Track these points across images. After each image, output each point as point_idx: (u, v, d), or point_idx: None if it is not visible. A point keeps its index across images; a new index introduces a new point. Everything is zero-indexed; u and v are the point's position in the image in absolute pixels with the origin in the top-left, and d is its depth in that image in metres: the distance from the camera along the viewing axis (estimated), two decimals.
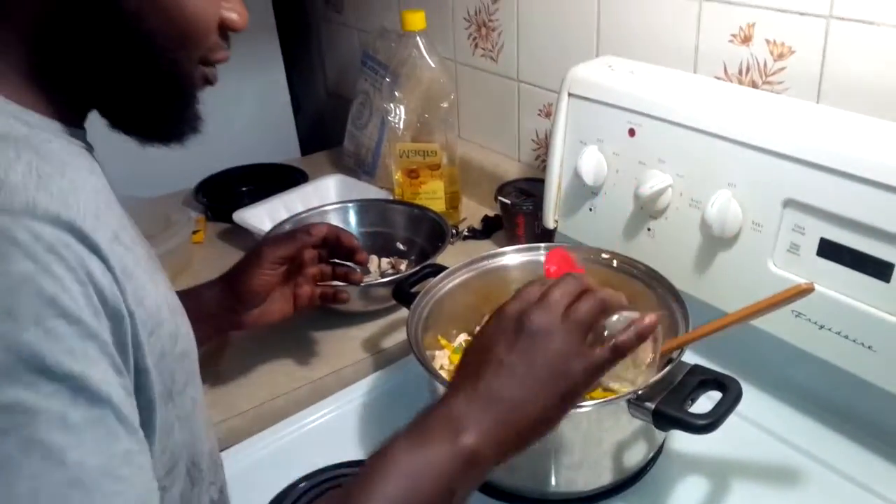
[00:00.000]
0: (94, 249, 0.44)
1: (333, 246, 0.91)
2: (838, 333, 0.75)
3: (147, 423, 0.49)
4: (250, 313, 0.86)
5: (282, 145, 1.66)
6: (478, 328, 0.59)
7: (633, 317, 0.59)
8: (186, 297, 0.67)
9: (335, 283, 0.93)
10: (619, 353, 0.57)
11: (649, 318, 0.58)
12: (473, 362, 0.57)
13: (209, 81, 0.59)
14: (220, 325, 0.87)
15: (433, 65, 1.24)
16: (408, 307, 0.86)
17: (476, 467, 0.53)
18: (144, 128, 0.58)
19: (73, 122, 0.56)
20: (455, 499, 0.52)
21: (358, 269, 0.93)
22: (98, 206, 0.48)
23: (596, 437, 0.73)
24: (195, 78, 0.57)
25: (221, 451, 0.83)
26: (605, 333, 0.60)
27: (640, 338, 0.58)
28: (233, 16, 0.58)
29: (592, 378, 0.57)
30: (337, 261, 0.92)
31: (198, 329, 0.63)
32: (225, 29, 0.58)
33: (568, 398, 0.56)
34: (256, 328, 0.88)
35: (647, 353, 0.67)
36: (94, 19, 0.51)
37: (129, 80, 0.54)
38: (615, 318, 0.60)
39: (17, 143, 0.46)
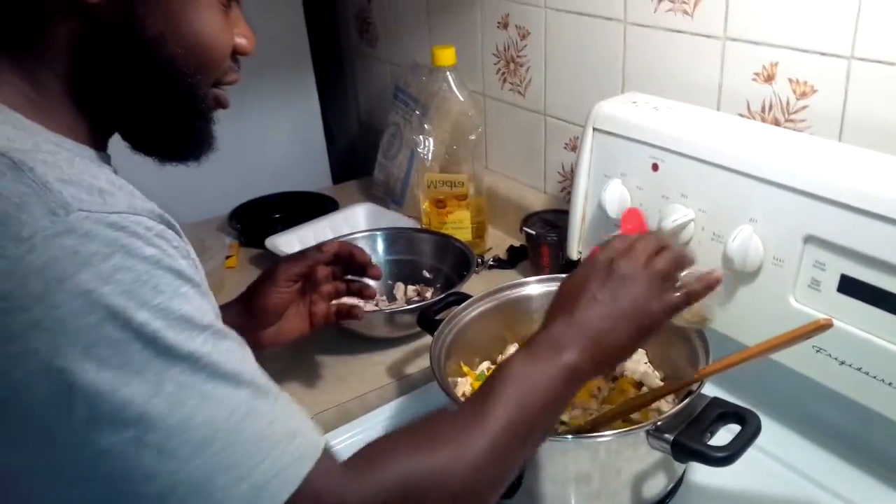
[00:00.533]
0: (179, 234, 0.53)
1: (346, 262, 0.93)
2: (858, 369, 0.75)
3: None
4: (267, 332, 0.88)
5: (314, 174, 1.70)
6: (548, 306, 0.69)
7: (701, 271, 0.69)
8: None
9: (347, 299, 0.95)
10: (691, 299, 0.67)
11: (717, 272, 0.68)
12: (569, 296, 0.66)
13: (221, 103, 0.64)
14: None
15: (462, 98, 1.28)
16: (431, 334, 0.88)
17: (575, 379, 0.62)
18: (163, 148, 0.64)
19: (99, 147, 0.61)
20: (558, 404, 0.63)
21: (372, 284, 0.94)
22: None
23: (615, 466, 0.74)
24: (209, 100, 0.62)
25: None
26: (678, 284, 0.69)
27: (708, 288, 0.68)
28: (243, 41, 0.63)
29: (666, 316, 0.67)
30: (351, 277, 0.94)
31: None
32: (236, 54, 0.63)
33: (646, 330, 0.66)
34: (274, 347, 0.90)
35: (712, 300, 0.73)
36: (118, 46, 0.56)
37: (149, 102, 0.60)
38: (686, 272, 0.69)
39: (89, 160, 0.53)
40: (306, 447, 0.51)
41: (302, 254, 0.92)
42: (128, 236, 0.48)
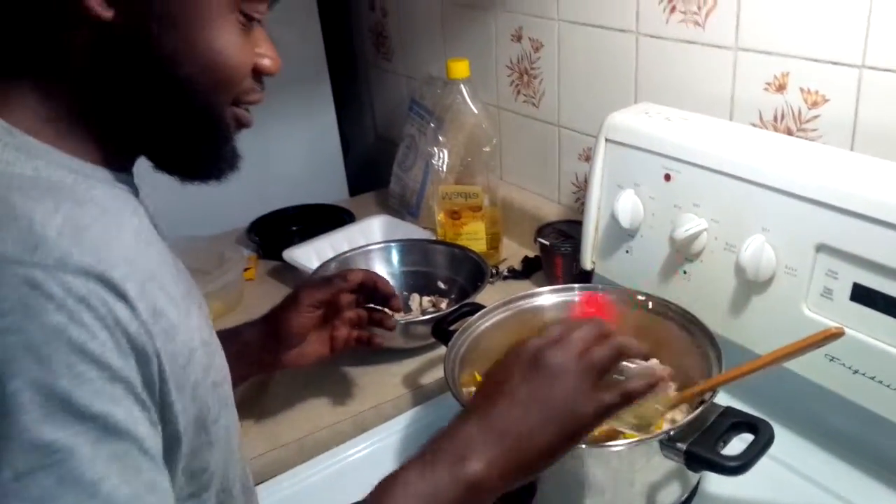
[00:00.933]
0: (123, 296, 0.48)
1: (370, 291, 0.93)
2: (872, 378, 0.75)
3: (173, 451, 0.53)
4: (288, 353, 0.89)
5: (331, 186, 1.72)
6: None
7: (648, 366, 0.63)
8: (229, 335, 0.72)
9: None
10: (628, 398, 0.60)
11: (661, 371, 0.61)
12: (488, 391, 0.60)
13: (242, 123, 0.62)
14: (261, 363, 0.90)
15: (476, 111, 1.29)
16: (446, 345, 0.88)
17: (480, 493, 0.56)
18: (184, 167, 0.63)
19: (121, 167, 0.60)
20: None
21: (393, 315, 0.96)
22: (136, 249, 0.52)
23: (628, 477, 0.74)
24: (228, 119, 0.61)
25: (265, 481, 0.87)
26: (621, 378, 0.62)
27: (649, 387, 0.61)
28: (266, 62, 0.61)
29: (600, 419, 0.60)
30: (372, 305, 0.95)
31: (239, 366, 0.67)
32: (259, 74, 0.61)
33: (574, 436, 0.59)
34: (294, 368, 0.91)
35: (667, 398, 0.69)
36: (133, 64, 0.55)
37: (166, 121, 0.59)
38: (633, 365, 0.63)
39: (59, 192, 0.51)
40: None
41: (327, 281, 0.92)
42: (38, 296, 0.44)
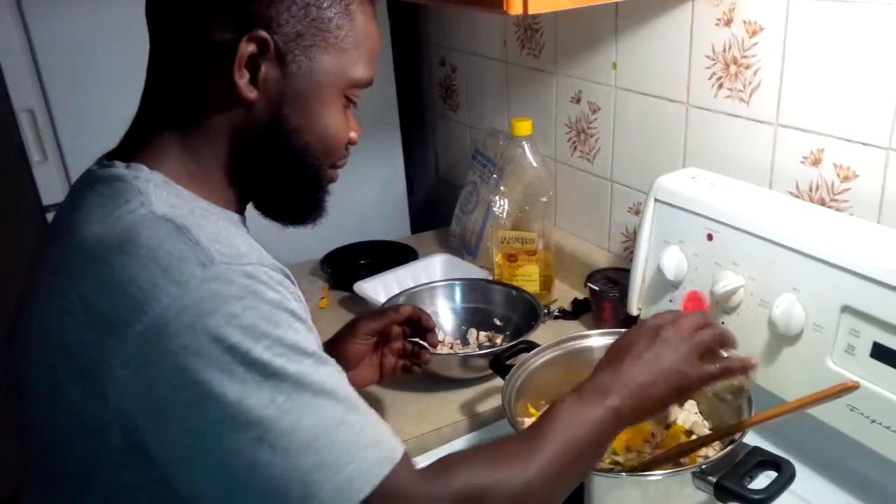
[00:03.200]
0: (293, 282, 0.67)
1: (415, 324, 1.06)
2: (888, 428, 0.83)
3: None
4: None
5: (395, 224, 1.85)
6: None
7: (739, 355, 0.79)
8: None
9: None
10: (726, 373, 0.77)
11: (754, 359, 0.78)
12: (618, 352, 0.77)
13: (333, 181, 0.80)
14: None
15: (536, 165, 1.41)
16: (503, 377, 0.99)
17: (617, 421, 0.73)
18: (288, 215, 0.80)
19: (239, 211, 0.76)
20: (601, 441, 0.73)
21: (429, 349, 1.06)
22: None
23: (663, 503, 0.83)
24: (328, 178, 0.78)
25: None
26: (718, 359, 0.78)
27: (744, 368, 0.78)
28: (354, 135, 0.79)
29: (702, 382, 0.77)
30: (416, 340, 1.06)
31: None
32: (348, 144, 0.78)
33: (682, 390, 0.76)
34: None
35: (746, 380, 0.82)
36: (266, 134, 0.71)
37: (285, 178, 0.75)
38: (725, 353, 0.79)
39: (230, 223, 0.69)
40: (387, 453, 0.62)
41: (382, 312, 1.06)
42: (257, 283, 0.61)
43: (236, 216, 0.75)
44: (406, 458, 0.64)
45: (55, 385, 0.63)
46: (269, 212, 0.79)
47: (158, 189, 0.67)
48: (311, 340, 0.63)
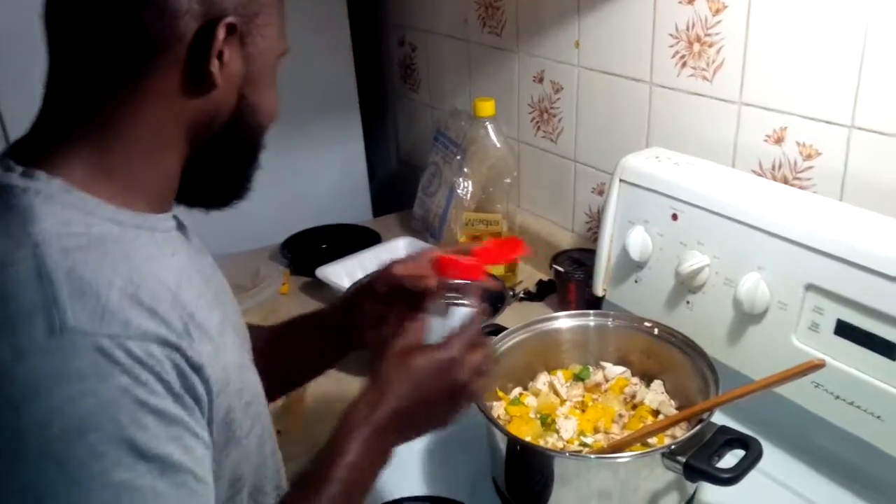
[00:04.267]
0: (177, 349, 0.57)
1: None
2: (851, 403, 0.85)
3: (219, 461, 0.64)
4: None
5: (356, 207, 1.82)
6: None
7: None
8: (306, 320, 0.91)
9: None
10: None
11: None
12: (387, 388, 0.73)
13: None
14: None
15: (499, 145, 1.39)
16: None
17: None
18: (220, 198, 0.73)
19: (164, 209, 0.68)
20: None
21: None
22: (178, 292, 0.60)
23: (633, 485, 0.83)
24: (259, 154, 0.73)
25: None
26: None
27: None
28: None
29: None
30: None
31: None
32: None
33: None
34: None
35: None
36: (232, 117, 0.66)
37: (236, 160, 0.71)
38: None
39: (112, 249, 0.59)
40: None
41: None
42: (106, 362, 0.53)
43: (169, 222, 0.68)
44: None
45: None
46: (193, 201, 0.72)
47: (49, 204, 0.58)
48: (165, 439, 0.55)
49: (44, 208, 0.58)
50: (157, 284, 0.59)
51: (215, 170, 0.70)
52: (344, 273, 1.37)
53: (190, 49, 0.61)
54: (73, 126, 0.62)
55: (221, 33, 0.61)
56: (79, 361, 0.52)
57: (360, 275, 1.32)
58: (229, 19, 0.62)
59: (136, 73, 0.61)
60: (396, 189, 1.94)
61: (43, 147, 0.62)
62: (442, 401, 0.75)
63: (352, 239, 1.56)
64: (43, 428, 0.51)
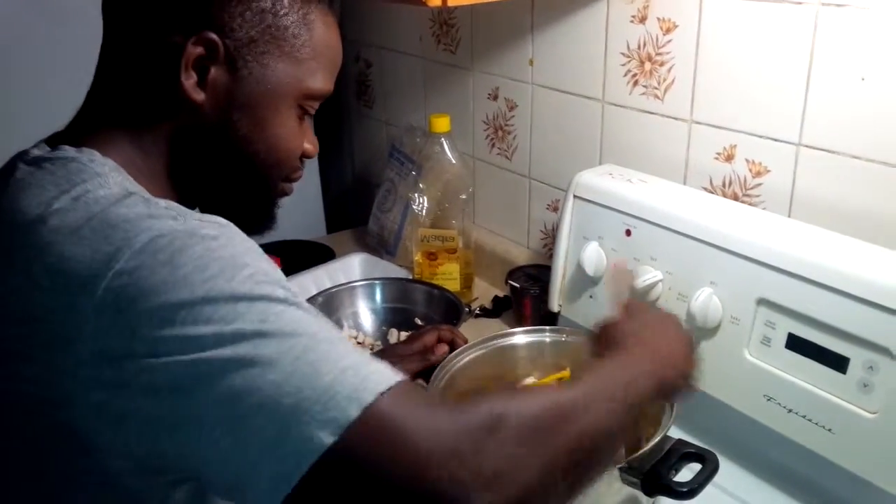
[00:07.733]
0: None
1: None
2: (803, 417, 0.86)
3: None
4: None
5: (311, 223, 1.80)
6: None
7: None
8: None
9: None
10: None
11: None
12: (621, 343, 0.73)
13: (286, 194, 0.77)
14: None
15: (454, 161, 1.39)
16: (425, 380, 0.97)
17: (651, 374, 0.68)
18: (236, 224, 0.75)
19: None
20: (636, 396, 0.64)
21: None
22: None
23: (592, 500, 0.82)
24: (278, 191, 0.75)
25: None
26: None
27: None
28: (310, 147, 0.76)
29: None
30: None
31: None
32: (303, 156, 0.76)
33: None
34: None
35: None
36: (212, 139, 0.69)
37: (230, 187, 0.72)
38: None
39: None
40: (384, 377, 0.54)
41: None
42: (231, 229, 0.59)
43: None
44: (408, 385, 0.54)
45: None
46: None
47: (114, 173, 0.63)
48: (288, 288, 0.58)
49: (113, 175, 0.62)
50: None
51: (215, 191, 0.73)
52: (298, 289, 1.32)
53: (173, 60, 0.65)
54: (113, 120, 0.68)
55: (194, 49, 0.65)
56: (210, 226, 0.57)
57: (313, 291, 1.30)
58: (207, 35, 0.65)
59: (149, 78, 0.67)
60: (351, 205, 1.92)
61: (86, 138, 0.67)
62: (679, 339, 0.74)
63: (306, 255, 1.54)
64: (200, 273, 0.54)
